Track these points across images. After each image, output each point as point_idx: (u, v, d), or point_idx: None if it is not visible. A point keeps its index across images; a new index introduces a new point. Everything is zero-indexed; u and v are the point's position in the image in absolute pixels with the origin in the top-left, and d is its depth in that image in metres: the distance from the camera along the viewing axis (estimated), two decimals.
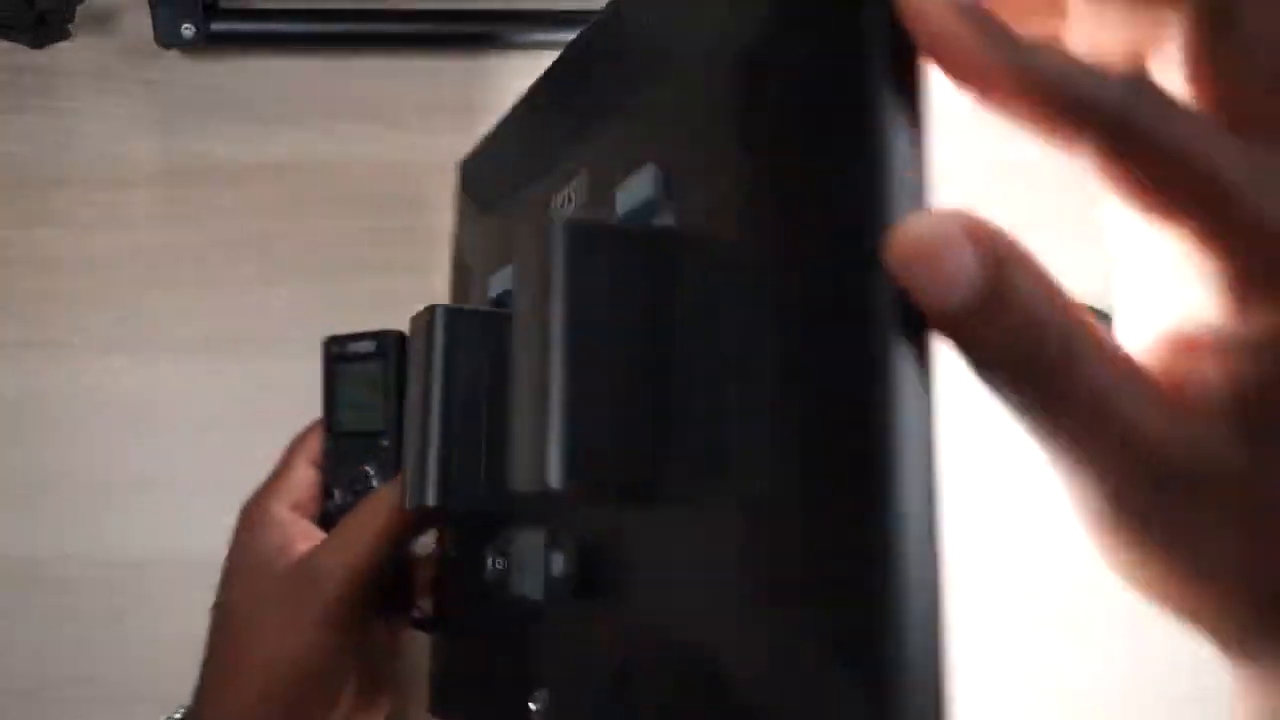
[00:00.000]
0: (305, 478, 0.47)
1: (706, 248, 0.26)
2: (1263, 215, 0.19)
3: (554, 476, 0.25)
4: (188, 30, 0.56)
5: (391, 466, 0.46)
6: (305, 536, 0.45)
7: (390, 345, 0.47)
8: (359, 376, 0.47)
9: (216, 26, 0.56)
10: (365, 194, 0.56)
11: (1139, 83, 0.20)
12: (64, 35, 0.58)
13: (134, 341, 0.54)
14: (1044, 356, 0.20)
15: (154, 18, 0.56)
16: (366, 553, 0.42)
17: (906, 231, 0.20)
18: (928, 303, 0.20)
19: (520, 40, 0.58)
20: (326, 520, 0.46)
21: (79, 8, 0.57)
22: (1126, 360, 0.21)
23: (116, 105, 0.57)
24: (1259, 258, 0.20)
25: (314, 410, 0.48)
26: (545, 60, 0.62)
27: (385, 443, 0.47)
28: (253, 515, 0.46)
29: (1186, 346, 0.21)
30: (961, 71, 0.20)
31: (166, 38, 0.56)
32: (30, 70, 0.58)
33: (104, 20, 0.58)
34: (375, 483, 0.46)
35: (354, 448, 0.47)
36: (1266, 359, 0.20)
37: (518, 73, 0.58)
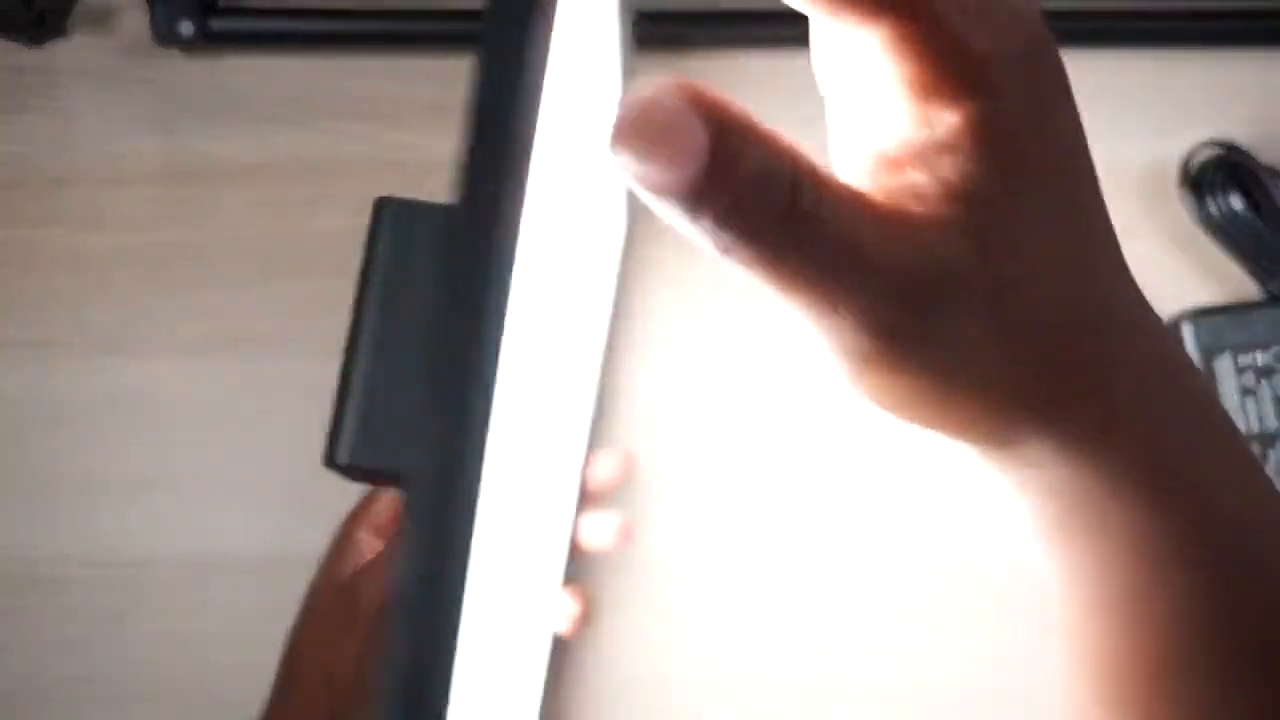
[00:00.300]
0: (392, 501, 0.47)
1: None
2: (938, 12, 0.21)
3: (341, 454, 0.25)
4: (186, 29, 0.56)
5: None
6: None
7: None
8: None
9: (215, 25, 0.56)
10: (365, 194, 0.56)
11: None
12: (62, 33, 0.58)
13: (134, 341, 0.54)
14: (774, 206, 0.20)
15: (152, 16, 0.56)
16: None
17: (632, 114, 0.19)
18: (658, 181, 0.19)
19: None
20: None
21: (77, 6, 0.57)
22: (849, 190, 0.21)
23: (116, 104, 0.57)
24: (941, 58, 0.21)
25: (316, 410, 0.48)
26: None
27: None
28: (337, 539, 0.46)
29: (896, 164, 0.22)
30: None
31: (165, 36, 0.56)
32: (29, 70, 0.58)
33: (102, 19, 0.58)
34: None
35: None
36: (960, 159, 0.21)
37: None
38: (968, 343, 0.22)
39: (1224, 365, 0.51)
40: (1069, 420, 0.23)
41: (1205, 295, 0.55)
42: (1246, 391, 0.51)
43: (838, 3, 0.21)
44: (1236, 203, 0.54)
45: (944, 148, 0.21)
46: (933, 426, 0.24)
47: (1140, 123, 0.58)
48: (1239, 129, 0.55)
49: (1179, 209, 0.55)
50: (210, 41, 0.57)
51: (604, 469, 0.46)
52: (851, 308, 0.21)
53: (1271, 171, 0.54)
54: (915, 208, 0.22)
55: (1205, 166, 0.54)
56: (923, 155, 0.22)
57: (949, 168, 0.21)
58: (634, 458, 0.47)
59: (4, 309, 0.54)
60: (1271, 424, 0.51)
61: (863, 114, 0.23)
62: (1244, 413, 0.51)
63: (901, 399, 0.23)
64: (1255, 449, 0.51)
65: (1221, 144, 0.54)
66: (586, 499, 0.45)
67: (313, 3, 0.58)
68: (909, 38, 0.21)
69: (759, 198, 0.20)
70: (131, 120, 0.56)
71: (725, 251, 0.20)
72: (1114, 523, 0.24)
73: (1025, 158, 0.22)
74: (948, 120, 0.21)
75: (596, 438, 0.46)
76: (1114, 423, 0.24)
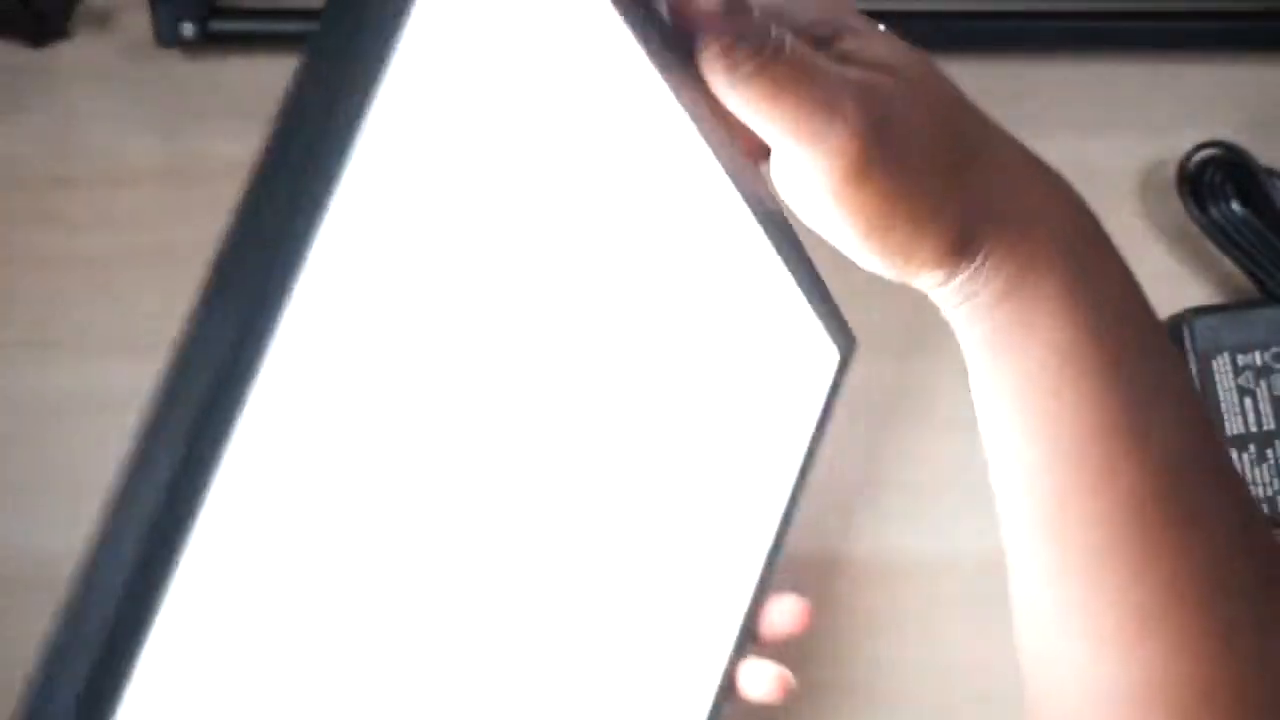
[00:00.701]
0: None
1: None
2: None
3: None
4: (188, 29, 0.56)
5: None
6: None
7: None
8: None
9: (216, 26, 0.57)
10: None
11: None
12: (63, 34, 0.58)
13: (134, 341, 0.54)
14: (778, 41, 0.29)
15: (153, 17, 0.56)
16: None
17: None
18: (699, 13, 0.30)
19: None
20: None
21: (78, 7, 0.57)
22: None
23: (117, 105, 0.57)
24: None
25: None
26: None
27: None
28: None
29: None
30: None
31: (166, 37, 0.56)
32: (30, 70, 0.58)
33: (104, 19, 0.59)
34: None
35: None
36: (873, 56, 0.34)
37: None
38: (919, 155, 0.31)
39: (1222, 365, 0.51)
40: (1001, 241, 0.32)
41: (1204, 295, 0.55)
42: (1245, 391, 0.51)
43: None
44: (1235, 203, 0.54)
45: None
46: (900, 250, 0.32)
47: (1139, 124, 0.58)
48: (1237, 130, 0.56)
49: (1178, 209, 0.55)
50: (211, 42, 0.57)
51: (783, 617, 0.41)
52: (845, 115, 0.29)
53: (1269, 172, 0.54)
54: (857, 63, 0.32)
55: (1204, 167, 0.54)
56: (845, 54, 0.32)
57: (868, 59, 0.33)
58: (811, 610, 0.41)
59: (4, 309, 0.54)
60: (1269, 424, 0.51)
61: None
62: (1242, 412, 0.51)
63: (878, 211, 0.31)
64: (1253, 449, 0.51)
65: (1220, 145, 0.54)
66: (757, 643, 0.41)
67: (313, 3, 0.58)
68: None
69: (763, 35, 0.29)
70: (132, 120, 0.56)
71: (743, 79, 0.29)
72: (1033, 340, 0.32)
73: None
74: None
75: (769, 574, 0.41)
76: (1034, 257, 0.32)
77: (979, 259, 0.32)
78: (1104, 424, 0.32)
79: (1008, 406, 0.33)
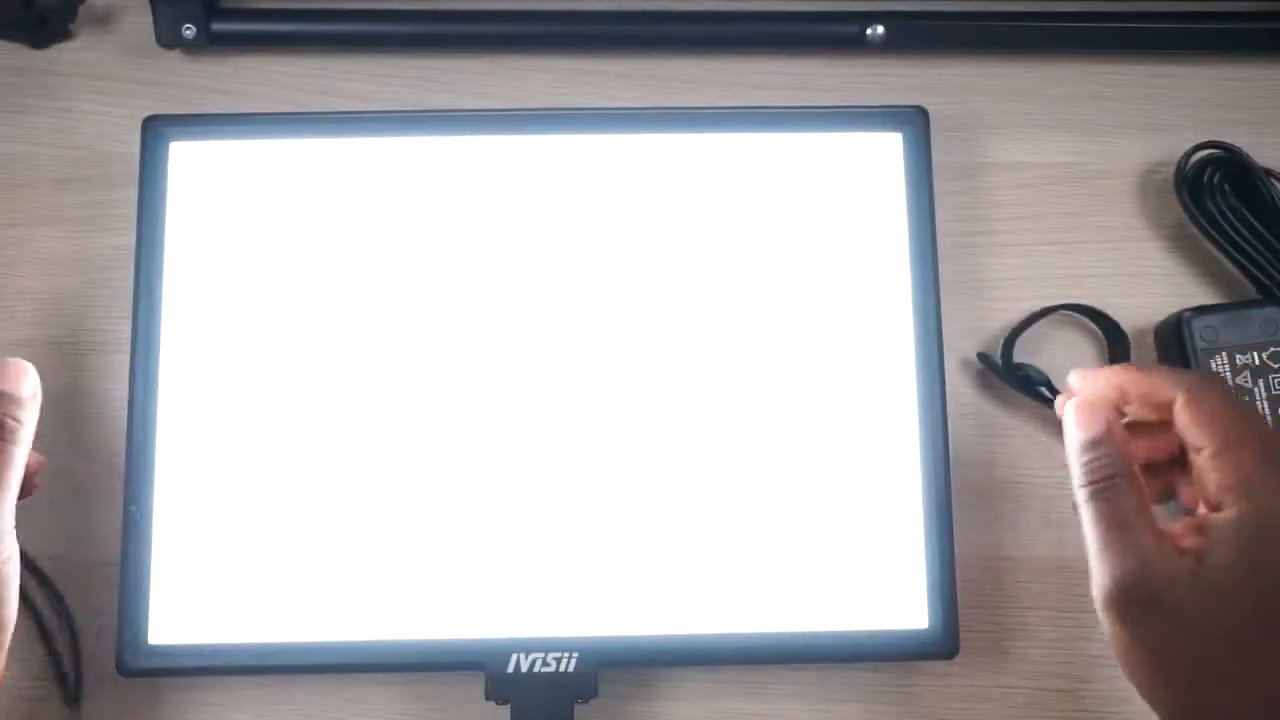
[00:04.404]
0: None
1: None
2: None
3: None
4: (188, 30, 0.56)
5: None
6: None
7: None
8: None
9: (216, 26, 0.57)
10: None
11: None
12: (65, 35, 0.58)
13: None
14: (1122, 482, 0.40)
15: (155, 18, 0.56)
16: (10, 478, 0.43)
17: (1081, 411, 0.43)
18: (1078, 436, 0.42)
19: (519, 41, 0.58)
20: None
21: (80, 8, 0.57)
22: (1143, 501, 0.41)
23: (117, 105, 0.57)
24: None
25: None
26: (543, 60, 0.62)
27: None
28: None
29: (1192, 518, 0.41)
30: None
31: (167, 38, 0.57)
32: (30, 70, 0.58)
33: (105, 21, 0.59)
34: None
35: None
36: (1220, 538, 0.39)
37: (516, 72, 0.58)
38: (1167, 643, 0.38)
39: (1220, 364, 0.51)
40: None
41: (1202, 295, 0.55)
42: (1243, 391, 0.51)
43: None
44: (1233, 203, 0.54)
45: (1216, 527, 0.38)
46: (1134, 681, 0.39)
47: (1139, 124, 0.58)
48: (1236, 130, 0.56)
49: (1177, 209, 0.55)
50: (212, 43, 0.57)
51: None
52: (1120, 561, 0.38)
53: (1268, 172, 0.54)
54: (1186, 541, 0.38)
55: (1203, 167, 0.54)
56: (1208, 527, 0.38)
57: (1219, 540, 0.38)
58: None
59: (4, 309, 0.55)
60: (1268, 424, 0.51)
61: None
62: None
63: (1121, 644, 0.39)
64: None
65: (1219, 145, 0.54)
66: None
67: (313, 4, 0.58)
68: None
69: (1118, 470, 0.40)
70: (134, 121, 0.56)
71: (1092, 492, 0.40)
72: None
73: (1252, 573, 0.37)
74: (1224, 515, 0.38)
75: None
76: None
77: None
78: None
79: None
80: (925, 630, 0.49)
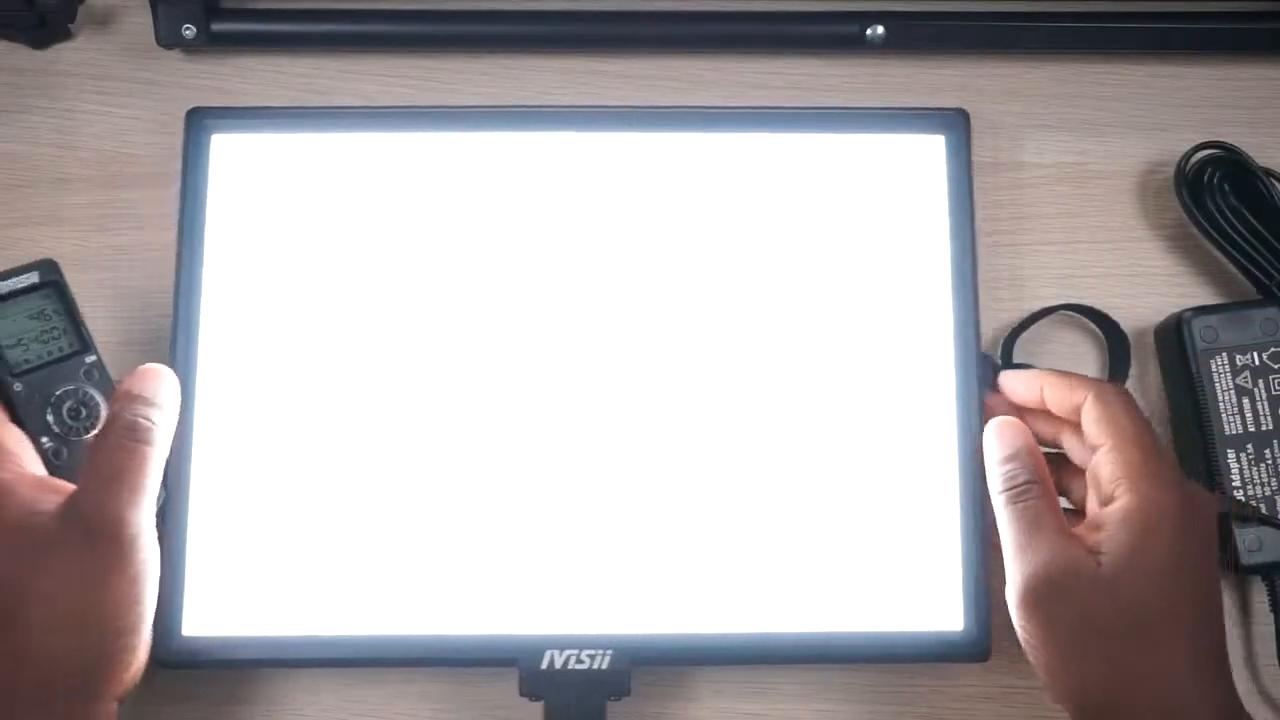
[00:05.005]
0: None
1: None
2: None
3: None
4: (188, 30, 0.56)
5: (108, 380, 0.48)
6: (42, 486, 0.43)
7: (50, 269, 0.48)
8: (21, 310, 0.47)
9: (216, 26, 0.57)
10: None
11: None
12: (65, 36, 0.58)
13: (135, 340, 0.54)
14: (1034, 488, 0.46)
15: (155, 18, 0.56)
16: (144, 481, 0.43)
17: (1000, 442, 0.48)
18: (998, 453, 0.48)
19: (519, 41, 0.58)
20: (60, 460, 0.47)
21: (80, 8, 0.57)
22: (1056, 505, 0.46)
23: (117, 105, 0.57)
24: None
25: None
26: (544, 60, 0.62)
27: (91, 358, 0.48)
28: None
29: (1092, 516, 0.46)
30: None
31: (167, 38, 0.56)
32: (30, 70, 0.58)
33: (105, 21, 0.59)
34: (99, 397, 0.47)
35: (54, 376, 0.47)
36: (1122, 534, 0.44)
37: (517, 73, 0.58)
38: (1074, 636, 0.41)
39: (1220, 365, 0.51)
40: None
41: (1202, 295, 0.55)
42: (1243, 391, 0.51)
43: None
44: (1233, 203, 0.54)
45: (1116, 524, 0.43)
46: (1045, 675, 0.43)
47: (1139, 124, 0.58)
48: (1236, 130, 0.56)
49: (1177, 209, 0.55)
50: (212, 43, 0.57)
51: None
52: (1034, 558, 0.43)
53: (1267, 172, 0.54)
54: (1089, 539, 0.43)
55: (1202, 167, 0.54)
56: (1101, 522, 0.43)
57: (1111, 533, 0.42)
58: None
59: None
60: (1267, 424, 0.51)
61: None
62: (1240, 412, 0.51)
63: (1033, 641, 0.43)
64: (1251, 449, 0.51)
65: (1219, 145, 0.54)
66: None
67: (313, 4, 0.58)
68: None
69: (1033, 479, 0.46)
70: (132, 120, 0.56)
71: (1010, 497, 0.45)
72: None
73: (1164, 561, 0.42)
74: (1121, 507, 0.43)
75: None
76: None
77: None
78: None
79: None
80: (960, 632, 0.49)
